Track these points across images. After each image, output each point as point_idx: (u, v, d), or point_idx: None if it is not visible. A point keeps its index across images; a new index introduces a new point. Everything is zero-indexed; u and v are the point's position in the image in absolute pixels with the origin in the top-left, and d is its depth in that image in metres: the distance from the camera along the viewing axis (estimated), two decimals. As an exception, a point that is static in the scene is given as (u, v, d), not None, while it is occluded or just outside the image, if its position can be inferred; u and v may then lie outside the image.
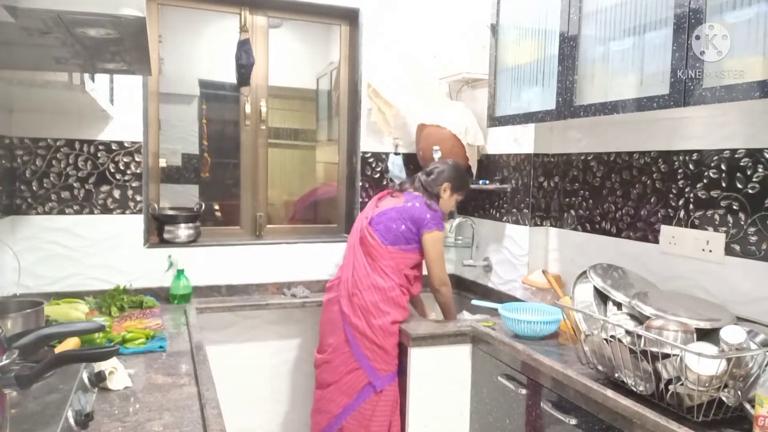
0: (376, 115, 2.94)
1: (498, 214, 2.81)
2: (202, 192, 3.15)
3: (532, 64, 2.23)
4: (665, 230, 2.01)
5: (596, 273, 1.90)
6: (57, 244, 2.49)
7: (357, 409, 2.31)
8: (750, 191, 1.73)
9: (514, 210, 2.67)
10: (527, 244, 2.58)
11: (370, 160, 3.03)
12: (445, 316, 2.51)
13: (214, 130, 3.18)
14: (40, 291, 2.42)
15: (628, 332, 1.59)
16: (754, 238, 1.72)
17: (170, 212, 2.85)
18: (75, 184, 2.51)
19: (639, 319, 1.70)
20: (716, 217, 1.83)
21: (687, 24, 1.54)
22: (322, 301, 2.55)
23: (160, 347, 1.91)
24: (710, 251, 1.84)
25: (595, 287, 1.86)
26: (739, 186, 1.76)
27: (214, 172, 3.15)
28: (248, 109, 2.91)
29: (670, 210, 2.00)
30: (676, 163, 1.98)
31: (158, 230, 2.77)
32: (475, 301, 2.72)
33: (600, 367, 1.69)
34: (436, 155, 2.74)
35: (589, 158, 2.37)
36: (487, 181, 2.82)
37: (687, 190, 1.94)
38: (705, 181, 1.87)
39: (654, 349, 1.50)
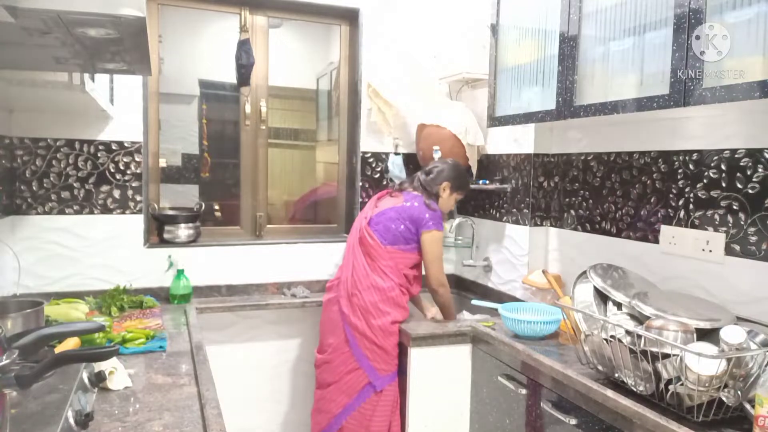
0: (376, 115, 2.94)
1: (498, 214, 2.81)
2: (202, 192, 3.15)
3: (532, 64, 2.23)
4: (665, 230, 2.01)
5: (596, 273, 1.90)
6: (57, 244, 2.49)
7: (357, 409, 2.31)
8: (750, 191, 1.73)
9: (514, 210, 2.67)
10: (527, 244, 2.58)
11: (370, 160, 3.03)
12: (445, 316, 2.51)
13: (214, 130, 3.18)
14: (40, 291, 2.42)
15: (628, 332, 1.59)
16: (754, 238, 1.72)
17: (170, 212, 2.85)
18: (75, 184, 2.51)
19: (639, 319, 1.70)
20: (716, 217, 1.83)
21: (687, 24, 1.54)
22: (322, 301, 2.55)
23: (160, 347, 1.91)
24: (710, 251, 1.84)
25: (595, 287, 1.86)
26: (739, 186, 1.76)
27: (214, 172, 3.15)
28: (248, 109, 2.91)
29: (670, 210, 2.00)
30: (676, 163, 1.98)
31: (158, 230, 2.77)
32: (475, 301, 2.72)
33: (600, 367, 1.69)
34: (436, 155, 2.74)
35: (589, 158, 2.37)
36: (487, 181, 2.82)
37: (687, 190, 1.94)
38: (705, 181, 1.87)
39: (654, 349, 1.50)
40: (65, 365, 1.25)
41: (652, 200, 2.07)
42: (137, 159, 2.60)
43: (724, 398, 1.39)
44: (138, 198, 2.61)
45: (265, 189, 3.01)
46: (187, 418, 1.40)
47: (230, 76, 2.86)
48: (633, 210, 2.15)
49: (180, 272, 2.60)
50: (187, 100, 3.20)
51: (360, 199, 3.00)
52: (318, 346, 2.53)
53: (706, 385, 1.38)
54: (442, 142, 2.75)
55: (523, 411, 1.97)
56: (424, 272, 2.51)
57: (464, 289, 3.08)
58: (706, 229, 1.86)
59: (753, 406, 1.32)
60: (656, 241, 2.05)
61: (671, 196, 2.00)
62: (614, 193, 2.24)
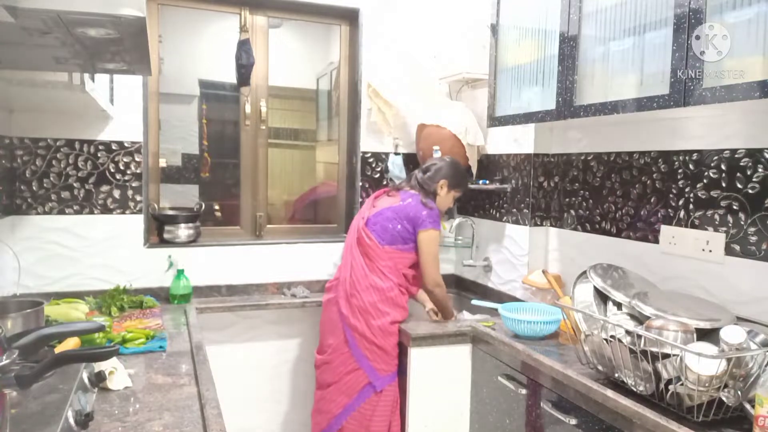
0: (376, 115, 2.94)
1: (498, 214, 2.81)
2: (202, 192, 3.15)
3: (532, 64, 2.23)
4: (665, 230, 2.01)
5: (596, 273, 1.90)
6: (57, 244, 2.49)
7: (357, 410, 2.31)
8: (750, 191, 1.73)
9: (514, 210, 2.67)
10: (527, 244, 2.58)
11: (370, 160, 3.03)
12: (443, 315, 2.50)
13: (214, 130, 3.18)
14: (40, 291, 2.42)
15: (628, 332, 1.59)
16: (754, 238, 1.72)
17: (170, 212, 2.85)
18: (75, 184, 2.51)
19: (639, 319, 1.70)
20: (716, 217, 1.83)
21: (687, 24, 1.54)
22: (321, 301, 2.55)
23: (160, 347, 1.91)
24: (710, 251, 1.84)
25: (595, 287, 1.86)
26: (739, 186, 1.76)
27: (214, 172, 3.15)
28: (248, 109, 2.91)
29: (670, 210, 2.00)
30: (676, 163, 1.98)
31: (158, 230, 2.77)
32: (475, 301, 2.72)
33: (600, 367, 1.69)
34: (437, 155, 2.74)
35: (589, 158, 2.37)
36: (487, 181, 2.82)
37: (687, 190, 1.94)
38: (705, 181, 1.87)
39: (654, 349, 1.50)
40: (65, 365, 1.25)
41: (652, 200, 2.07)
42: (137, 159, 2.60)
43: (724, 398, 1.39)
44: (138, 198, 2.61)
45: (265, 189, 3.01)
46: (187, 418, 1.40)
47: (230, 76, 2.86)
48: (633, 210, 2.15)
49: (180, 272, 2.60)
50: (187, 100, 3.20)
51: (360, 199, 3.00)
52: (318, 347, 2.53)
53: (706, 385, 1.38)
54: (442, 142, 2.75)
55: (523, 411, 1.97)
56: (423, 272, 2.51)
57: (464, 289, 3.08)
58: (706, 229, 1.86)
59: (753, 406, 1.32)
60: (656, 241, 2.05)
61: (671, 196, 2.00)
62: (614, 193, 2.24)
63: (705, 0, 1.51)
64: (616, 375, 1.62)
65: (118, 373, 1.59)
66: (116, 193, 2.57)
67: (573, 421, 1.70)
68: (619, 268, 1.97)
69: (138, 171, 2.60)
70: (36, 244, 2.46)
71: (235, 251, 2.81)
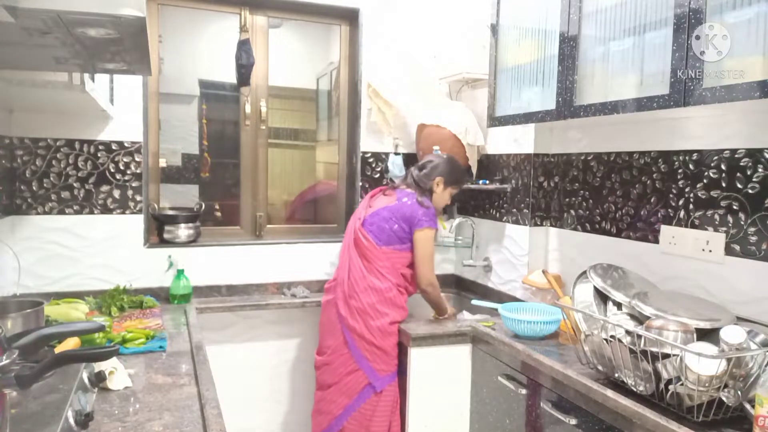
0: (376, 115, 2.94)
1: (498, 214, 2.81)
2: (202, 192, 3.15)
3: (532, 64, 2.23)
4: (665, 230, 2.01)
5: (596, 273, 1.90)
6: (57, 244, 2.49)
7: (357, 410, 2.31)
8: (750, 191, 1.73)
9: (514, 210, 2.67)
10: (527, 244, 2.58)
11: (370, 160, 3.03)
12: (438, 313, 2.49)
13: (214, 130, 3.18)
14: (40, 291, 2.42)
15: (628, 332, 1.59)
16: (754, 238, 1.72)
17: (170, 212, 2.85)
18: (75, 184, 2.51)
19: (639, 319, 1.70)
20: (716, 217, 1.83)
21: (687, 24, 1.54)
22: (321, 302, 2.55)
23: (160, 347, 1.91)
24: (710, 251, 1.84)
25: (595, 287, 1.86)
26: (739, 186, 1.76)
27: (214, 172, 3.15)
28: (248, 109, 2.91)
29: (670, 210, 2.00)
30: (676, 163, 1.98)
31: (158, 230, 2.77)
32: (475, 301, 2.72)
33: (600, 367, 1.69)
34: (437, 155, 2.74)
35: (589, 158, 2.37)
36: (487, 181, 2.82)
37: (687, 190, 1.94)
38: (705, 181, 1.87)
39: (654, 349, 1.50)
40: (65, 365, 1.25)
41: (652, 200, 2.07)
42: (137, 159, 2.60)
43: (724, 398, 1.39)
44: (138, 198, 2.61)
45: (265, 189, 3.01)
46: (187, 418, 1.40)
47: (230, 76, 2.86)
48: (633, 210, 2.15)
49: (180, 272, 2.60)
50: (187, 100, 3.20)
51: (360, 199, 3.00)
52: (317, 348, 2.53)
53: (706, 385, 1.38)
54: (442, 142, 2.75)
55: (523, 411, 1.97)
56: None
57: (464, 289, 3.08)
58: (706, 229, 1.86)
59: (753, 406, 1.32)
60: (656, 241, 2.05)
61: (671, 196, 2.00)
62: (614, 193, 2.24)
63: (705, 0, 1.51)
64: (616, 375, 1.62)
65: (118, 373, 1.59)
66: (116, 193, 2.57)
67: (573, 421, 1.70)
68: (619, 268, 1.97)
69: (138, 171, 2.60)
70: (36, 244, 2.46)
71: (235, 251, 2.81)
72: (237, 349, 2.80)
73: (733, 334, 1.43)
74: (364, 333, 2.29)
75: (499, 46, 2.44)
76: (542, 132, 2.54)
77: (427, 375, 2.28)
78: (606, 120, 2.15)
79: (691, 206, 1.92)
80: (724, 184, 1.81)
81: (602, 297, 1.85)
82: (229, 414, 1.67)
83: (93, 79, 1.72)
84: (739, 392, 1.40)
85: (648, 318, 1.63)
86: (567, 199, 2.50)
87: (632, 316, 1.73)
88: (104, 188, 2.56)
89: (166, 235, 2.72)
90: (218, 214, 3.17)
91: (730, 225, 1.79)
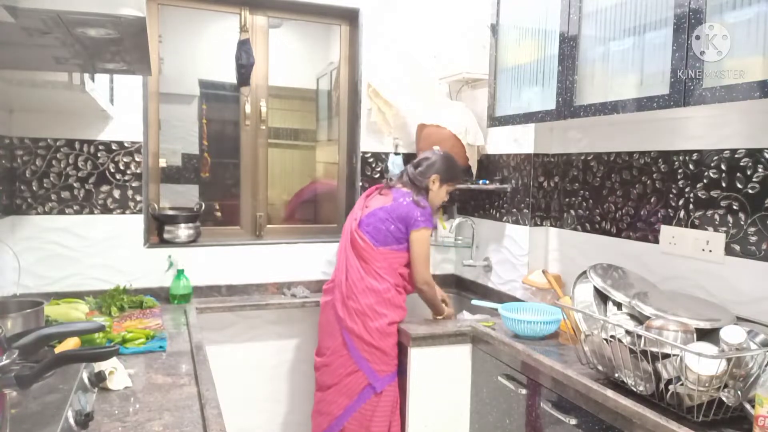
0: (376, 115, 2.94)
1: (498, 214, 2.81)
2: (202, 192, 3.15)
3: (532, 64, 2.23)
4: (665, 230, 2.01)
5: (596, 273, 1.90)
6: (57, 244, 2.49)
7: (357, 411, 2.31)
8: (750, 191, 1.73)
9: (514, 210, 2.67)
10: (527, 244, 2.58)
11: (370, 160, 3.03)
12: (435, 312, 2.49)
13: (214, 130, 3.18)
14: (40, 291, 2.42)
15: (628, 332, 1.59)
16: (754, 238, 1.72)
17: (170, 212, 2.85)
18: (75, 184, 2.51)
19: (639, 319, 1.70)
20: (716, 217, 1.83)
21: (687, 24, 1.54)
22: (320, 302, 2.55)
23: (160, 347, 1.91)
24: (710, 251, 1.84)
25: (595, 287, 1.86)
26: (739, 186, 1.76)
27: (214, 172, 3.15)
28: (248, 109, 2.91)
29: (670, 210, 2.00)
30: (676, 163, 1.98)
31: (158, 230, 2.77)
32: (475, 301, 2.72)
33: (600, 367, 1.69)
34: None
35: (589, 158, 2.37)
36: (487, 181, 2.82)
37: (687, 190, 1.94)
38: (705, 181, 1.87)
39: (654, 349, 1.50)
40: (65, 365, 1.25)
41: (652, 200, 2.07)
42: (137, 159, 2.60)
43: (724, 398, 1.39)
44: (138, 198, 2.61)
45: (265, 189, 3.01)
46: (187, 418, 1.40)
47: (230, 76, 2.86)
48: (633, 210, 2.15)
49: (180, 272, 2.60)
50: (187, 100, 3.20)
51: (360, 199, 3.01)
52: (316, 349, 2.53)
53: (706, 385, 1.38)
54: (442, 142, 2.75)
55: (523, 411, 1.97)
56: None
57: (464, 289, 3.08)
58: (706, 229, 1.86)
59: (753, 406, 1.32)
60: (656, 241, 2.05)
61: (671, 196, 2.00)
62: (614, 193, 2.24)
63: (705, 0, 1.51)
64: (616, 375, 1.62)
65: (118, 373, 1.59)
66: (116, 193, 2.57)
67: (573, 421, 1.70)
68: (619, 268, 1.97)
69: (138, 171, 2.60)
70: (36, 244, 2.46)
71: (235, 251, 2.81)
72: (237, 349, 2.80)
73: (733, 334, 1.43)
74: (362, 334, 2.29)
75: (499, 46, 2.45)
76: (542, 132, 2.54)
77: (427, 375, 2.28)
78: (606, 120, 2.15)
79: (691, 206, 1.92)
80: (724, 184, 1.81)
81: (602, 297, 1.85)
82: (229, 414, 1.67)
83: (93, 79, 1.72)
84: (739, 392, 1.40)
85: (648, 318, 1.63)
86: (567, 199, 2.50)
87: (632, 316, 1.73)
88: (104, 188, 2.56)
89: (166, 235, 2.72)
90: (218, 214, 3.17)
91: (730, 225, 1.79)
